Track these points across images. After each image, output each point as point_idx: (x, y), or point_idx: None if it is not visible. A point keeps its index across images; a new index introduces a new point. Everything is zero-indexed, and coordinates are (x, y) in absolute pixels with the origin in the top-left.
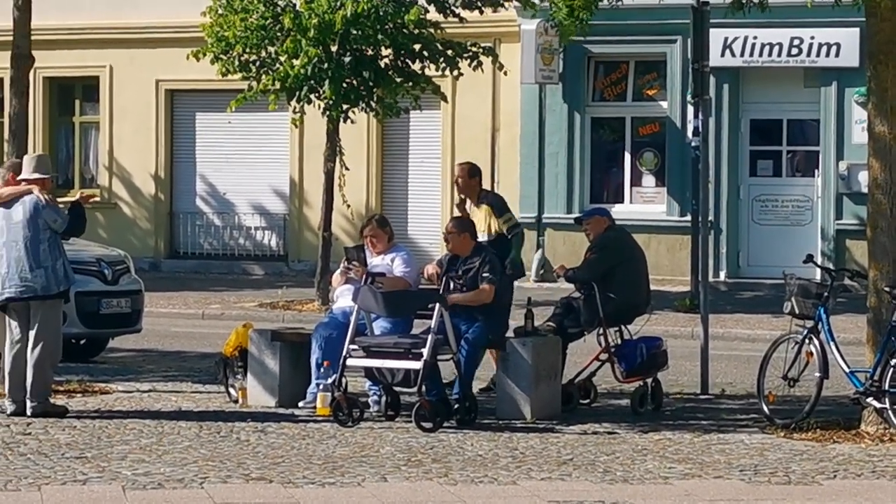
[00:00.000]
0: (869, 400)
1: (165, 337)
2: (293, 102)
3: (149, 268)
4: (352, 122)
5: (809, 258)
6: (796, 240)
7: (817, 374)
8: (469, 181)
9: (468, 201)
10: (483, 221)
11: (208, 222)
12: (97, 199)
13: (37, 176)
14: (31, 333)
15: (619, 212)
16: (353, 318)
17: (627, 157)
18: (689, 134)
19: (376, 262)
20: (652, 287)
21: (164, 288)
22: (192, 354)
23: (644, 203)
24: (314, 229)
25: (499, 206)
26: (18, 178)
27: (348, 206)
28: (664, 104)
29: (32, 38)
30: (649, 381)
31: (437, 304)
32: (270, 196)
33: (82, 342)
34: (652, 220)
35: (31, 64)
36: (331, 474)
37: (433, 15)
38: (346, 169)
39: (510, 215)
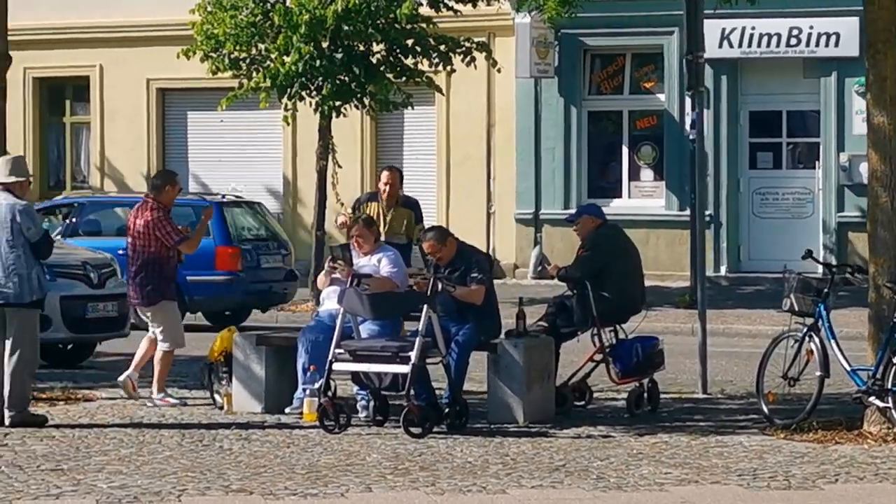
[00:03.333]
0: (871, 399)
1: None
2: (284, 100)
3: None
4: (344, 115)
5: (809, 254)
6: (798, 233)
7: (818, 373)
8: (399, 186)
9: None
10: (402, 225)
11: None
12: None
13: (13, 179)
14: (8, 343)
15: (618, 206)
16: (338, 321)
17: (625, 150)
18: (688, 127)
19: (363, 262)
20: (652, 283)
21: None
22: (182, 358)
23: (643, 197)
24: (309, 228)
25: (420, 215)
26: None
27: (342, 204)
28: (662, 97)
29: (22, 38)
30: (645, 381)
31: (425, 306)
32: (264, 195)
33: (69, 347)
34: (651, 215)
35: (9, 64)
36: (314, 485)
37: (426, 10)
38: (339, 166)
39: (423, 224)
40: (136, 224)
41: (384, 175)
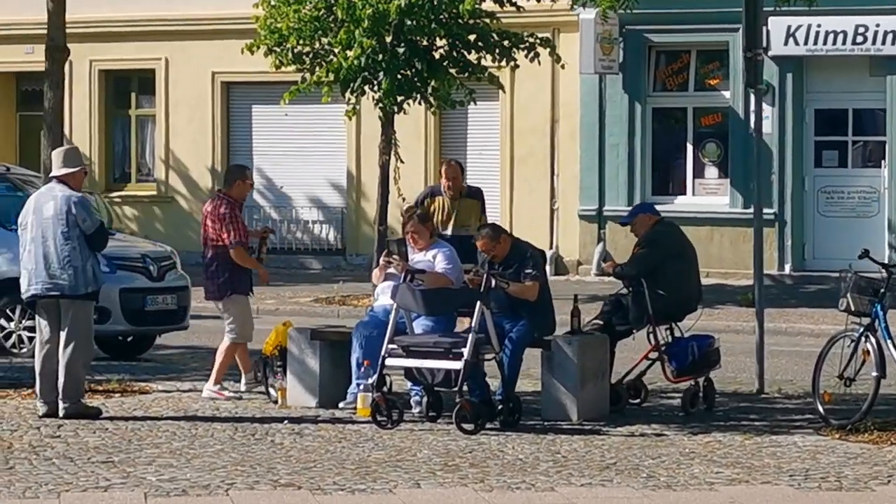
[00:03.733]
0: None
1: (216, 333)
2: (347, 94)
3: None
4: (405, 112)
5: (865, 253)
6: (863, 232)
7: (874, 374)
8: (461, 177)
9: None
10: (470, 216)
11: (265, 216)
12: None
13: (65, 171)
14: (63, 334)
15: (682, 204)
16: (391, 317)
17: (690, 148)
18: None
19: (418, 258)
20: (715, 281)
21: None
22: None
23: (707, 195)
24: (372, 223)
25: (484, 203)
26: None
27: (404, 199)
28: (727, 94)
29: (88, 31)
30: (701, 380)
31: (478, 303)
32: (328, 189)
33: (129, 339)
34: (715, 213)
35: (67, 56)
36: (362, 480)
37: (489, 5)
38: (401, 161)
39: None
40: (207, 217)
41: (444, 170)
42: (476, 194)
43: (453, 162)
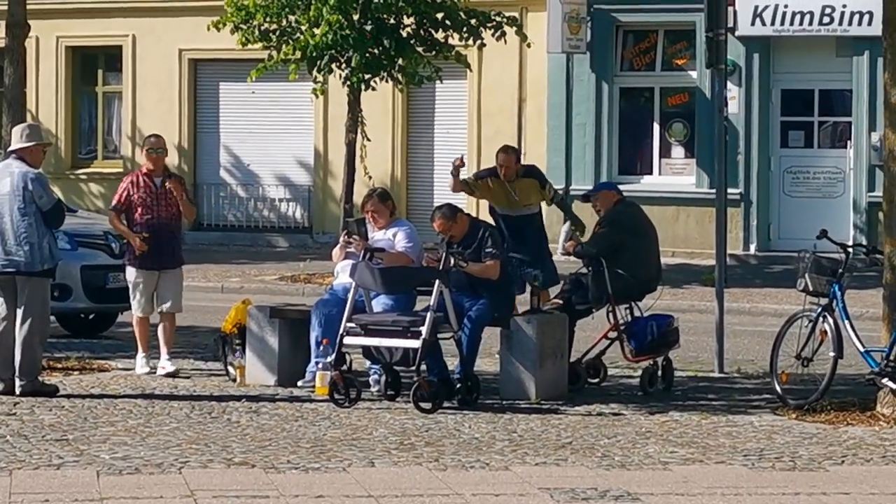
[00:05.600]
0: (884, 381)
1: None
2: (314, 72)
3: None
4: (373, 89)
5: (823, 234)
6: (828, 212)
7: (831, 354)
8: (515, 165)
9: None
10: (530, 196)
11: (232, 193)
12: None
13: (21, 145)
14: (19, 311)
15: (648, 183)
16: (350, 295)
17: (656, 127)
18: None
19: (378, 236)
20: (681, 260)
21: (186, 261)
22: (203, 330)
23: (673, 175)
24: (338, 201)
25: (543, 177)
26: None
27: (370, 177)
28: (694, 74)
29: (56, 7)
30: (660, 359)
31: (437, 281)
32: (295, 167)
33: (91, 317)
34: (681, 192)
35: (27, 32)
36: (317, 458)
37: None
38: (368, 140)
39: (550, 183)
40: None
41: (499, 157)
42: (532, 173)
43: (509, 149)
